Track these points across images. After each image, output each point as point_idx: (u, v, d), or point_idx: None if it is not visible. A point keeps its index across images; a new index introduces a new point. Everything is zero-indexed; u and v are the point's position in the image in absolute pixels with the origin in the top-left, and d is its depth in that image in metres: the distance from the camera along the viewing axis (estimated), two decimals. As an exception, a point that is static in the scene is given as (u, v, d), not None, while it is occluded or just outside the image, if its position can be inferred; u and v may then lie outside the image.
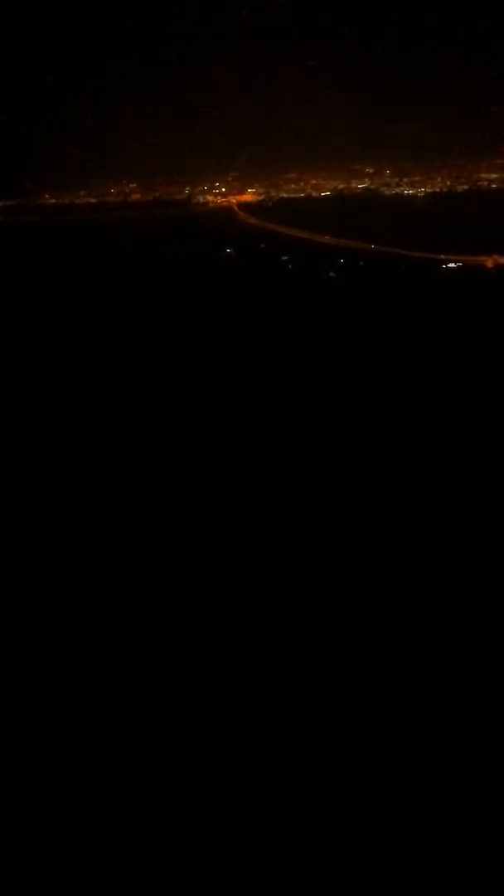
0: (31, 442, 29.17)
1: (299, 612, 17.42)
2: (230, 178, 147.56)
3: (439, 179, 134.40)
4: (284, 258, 75.36)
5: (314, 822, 11.92)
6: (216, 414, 32.59)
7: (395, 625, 16.54)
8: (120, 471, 26.54)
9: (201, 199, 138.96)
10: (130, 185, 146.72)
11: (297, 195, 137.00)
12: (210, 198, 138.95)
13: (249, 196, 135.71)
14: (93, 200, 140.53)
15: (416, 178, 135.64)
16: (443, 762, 12.93)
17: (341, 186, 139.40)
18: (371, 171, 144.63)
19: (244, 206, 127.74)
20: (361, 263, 72.37)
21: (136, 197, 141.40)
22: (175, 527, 22.03)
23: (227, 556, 20.23)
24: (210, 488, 24.73)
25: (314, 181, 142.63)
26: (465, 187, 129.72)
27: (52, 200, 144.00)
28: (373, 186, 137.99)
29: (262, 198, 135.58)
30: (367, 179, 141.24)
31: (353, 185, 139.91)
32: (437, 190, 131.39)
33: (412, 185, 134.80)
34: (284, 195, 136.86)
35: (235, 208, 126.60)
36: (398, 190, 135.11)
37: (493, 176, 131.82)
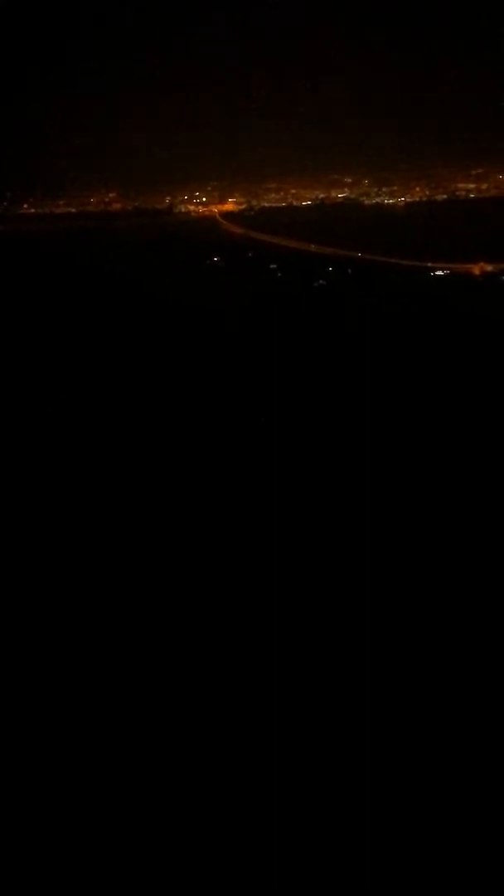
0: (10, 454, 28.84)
1: (297, 618, 17.47)
2: (209, 188, 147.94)
3: (418, 189, 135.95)
4: (273, 266, 75.74)
5: (314, 822, 11.97)
6: (209, 424, 32.51)
7: (393, 627, 16.66)
8: (101, 487, 26.31)
9: (183, 208, 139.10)
10: (110, 195, 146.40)
11: (279, 204, 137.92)
12: (192, 207, 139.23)
13: (231, 205, 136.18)
14: (73, 210, 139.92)
15: (395, 188, 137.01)
16: (442, 762, 13.05)
17: (322, 196, 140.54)
18: (349, 180, 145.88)
19: (226, 215, 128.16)
20: (350, 272, 72.95)
21: (116, 206, 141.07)
22: (165, 540, 21.93)
23: (223, 563, 20.25)
24: (199, 500, 24.67)
25: (294, 190, 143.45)
26: (444, 197, 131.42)
27: (31, 210, 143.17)
28: (353, 196, 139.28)
29: (243, 207, 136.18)
30: (346, 189, 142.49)
31: (333, 194, 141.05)
32: (417, 199, 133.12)
33: (391, 195, 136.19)
34: (266, 204, 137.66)
35: (218, 217, 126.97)
36: (378, 199, 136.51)
37: (471, 186, 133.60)
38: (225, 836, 11.90)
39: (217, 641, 16.78)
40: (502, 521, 21.97)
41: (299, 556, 20.31)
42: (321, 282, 68.25)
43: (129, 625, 17.48)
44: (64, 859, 11.62)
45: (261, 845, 11.66)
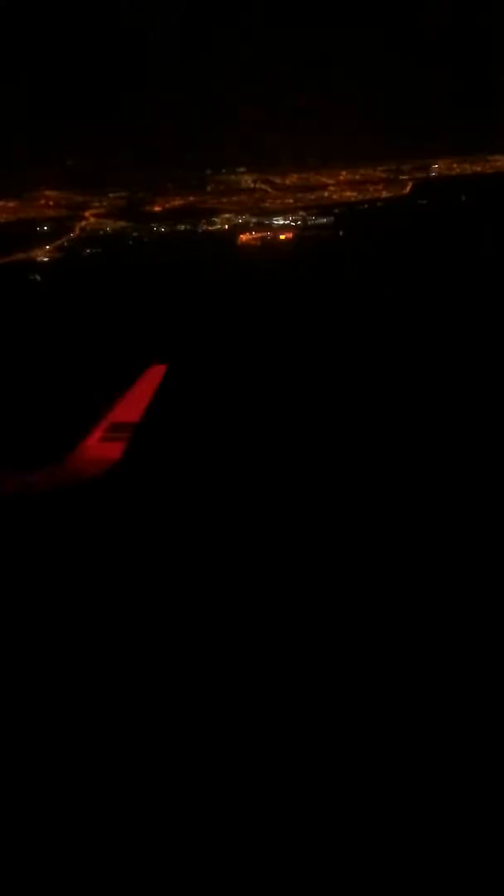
0: None
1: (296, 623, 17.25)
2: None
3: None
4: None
5: (315, 822, 11.81)
6: (198, 431, 32.14)
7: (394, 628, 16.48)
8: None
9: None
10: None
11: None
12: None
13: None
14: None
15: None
16: (443, 763, 12.89)
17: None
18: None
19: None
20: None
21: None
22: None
23: (223, 554, 20.05)
24: (189, 505, 24.34)
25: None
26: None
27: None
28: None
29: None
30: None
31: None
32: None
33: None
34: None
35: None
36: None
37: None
38: (225, 835, 11.68)
39: (214, 636, 16.52)
40: (497, 522, 21.90)
41: (287, 560, 20.12)
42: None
43: (128, 622, 17.14)
44: (64, 858, 11.37)
45: (261, 845, 11.45)
